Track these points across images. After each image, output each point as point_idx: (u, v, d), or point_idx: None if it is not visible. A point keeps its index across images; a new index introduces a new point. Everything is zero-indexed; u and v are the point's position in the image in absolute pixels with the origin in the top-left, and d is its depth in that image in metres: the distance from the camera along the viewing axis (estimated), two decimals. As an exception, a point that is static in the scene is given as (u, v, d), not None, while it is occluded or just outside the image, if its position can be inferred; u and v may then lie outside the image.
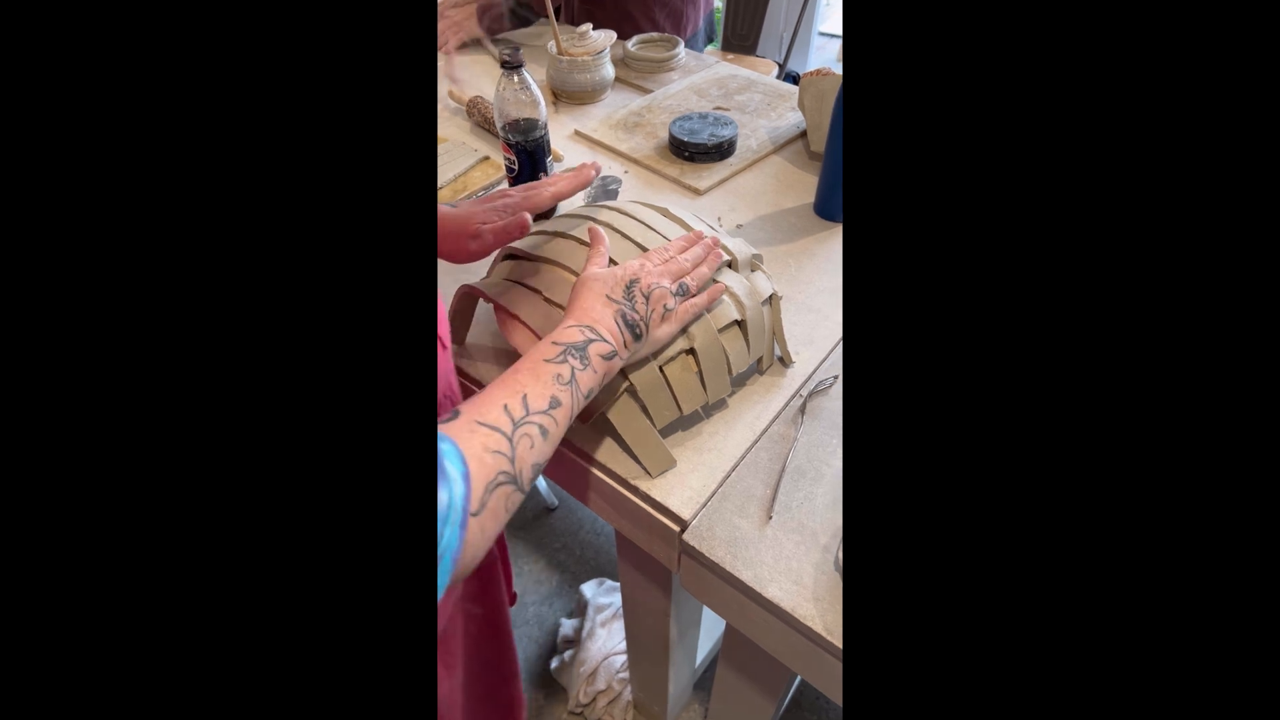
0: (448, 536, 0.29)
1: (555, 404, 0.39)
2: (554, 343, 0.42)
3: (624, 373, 0.48)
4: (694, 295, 0.49)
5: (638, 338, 0.45)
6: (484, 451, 0.34)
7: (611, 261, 0.50)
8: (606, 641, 1.05)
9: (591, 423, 0.51)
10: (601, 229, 0.51)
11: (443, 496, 0.30)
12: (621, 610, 1.09)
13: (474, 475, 0.33)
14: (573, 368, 0.40)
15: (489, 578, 0.62)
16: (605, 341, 0.43)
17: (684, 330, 0.49)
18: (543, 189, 0.56)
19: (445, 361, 0.44)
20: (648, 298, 0.46)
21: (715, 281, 0.52)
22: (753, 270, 0.56)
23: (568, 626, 1.12)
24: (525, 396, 0.38)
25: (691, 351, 0.50)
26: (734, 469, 0.50)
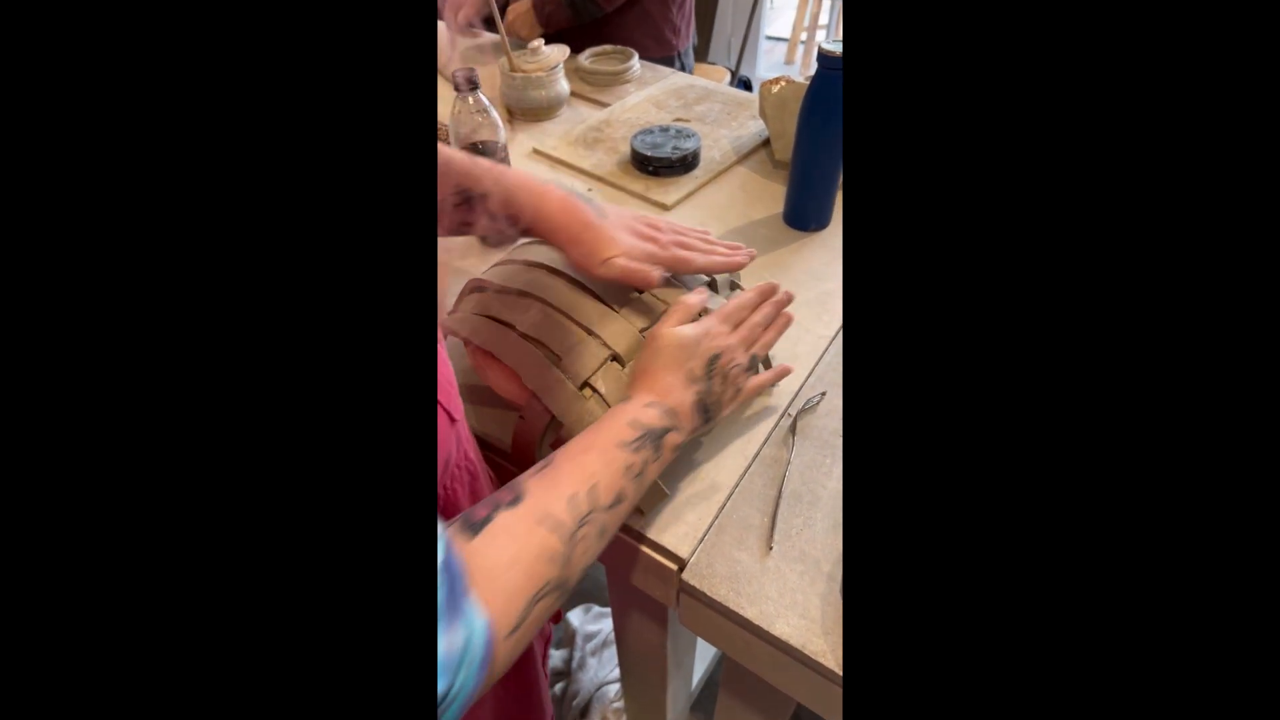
0: (461, 680, 0.26)
1: (619, 499, 0.36)
2: (631, 423, 0.38)
3: (608, 406, 0.46)
4: (758, 366, 0.47)
5: (707, 421, 0.43)
6: (539, 558, 0.32)
7: (567, 317, 0.47)
8: (598, 671, 1.02)
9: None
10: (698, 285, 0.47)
11: (458, 639, 0.26)
12: (611, 637, 1.06)
13: (520, 587, 0.31)
14: (645, 460, 0.38)
15: None
16: (681, 430, 0.41)
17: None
18: (695, 258, 0.48)
19: (458, 432, 0.41)
20: (726, 377, 0.43)
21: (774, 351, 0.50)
22: (732, 288, 0.54)
23: (556, 658, 1.09)
24: (595, 488, 0.35)
25: (677, 380, 0.47)
26: (729, 499, 0.48)
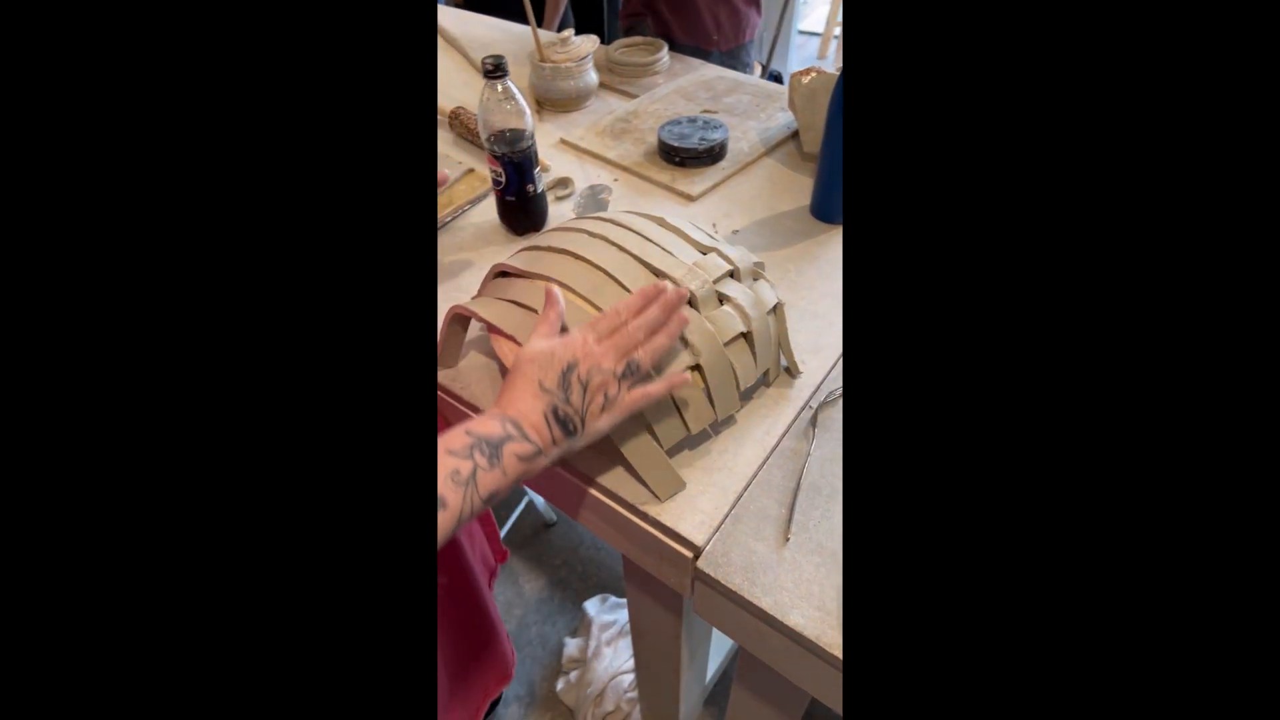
0: None
1: (439, 505, 0.35)
2: (467, 432, 0.38)
3: None
4: (645, 373, 0.43)
5: (570, 434, 0.41)
6: None
7: (589, 303, 0.46)
8: (613, 660, 1.03)
9: (594, 445, 0.49)
10: (558, 289, 0.46)
11: None
12: (627, 627, 1.06)
13: None
14: (475, 465, 0.37)
15: (446, 548, 0.63)
16: (527, 441, 0.39)
17: (697, 312, 0.45)
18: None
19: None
20: (585, 386, 0.41)
21: (683, 344, 0.45)
22: (755, 279, 0.54)
23: (572, 646, 1.10)
24: None
25: (697, 367, 0.47)
26: (746, 489, 0.48)
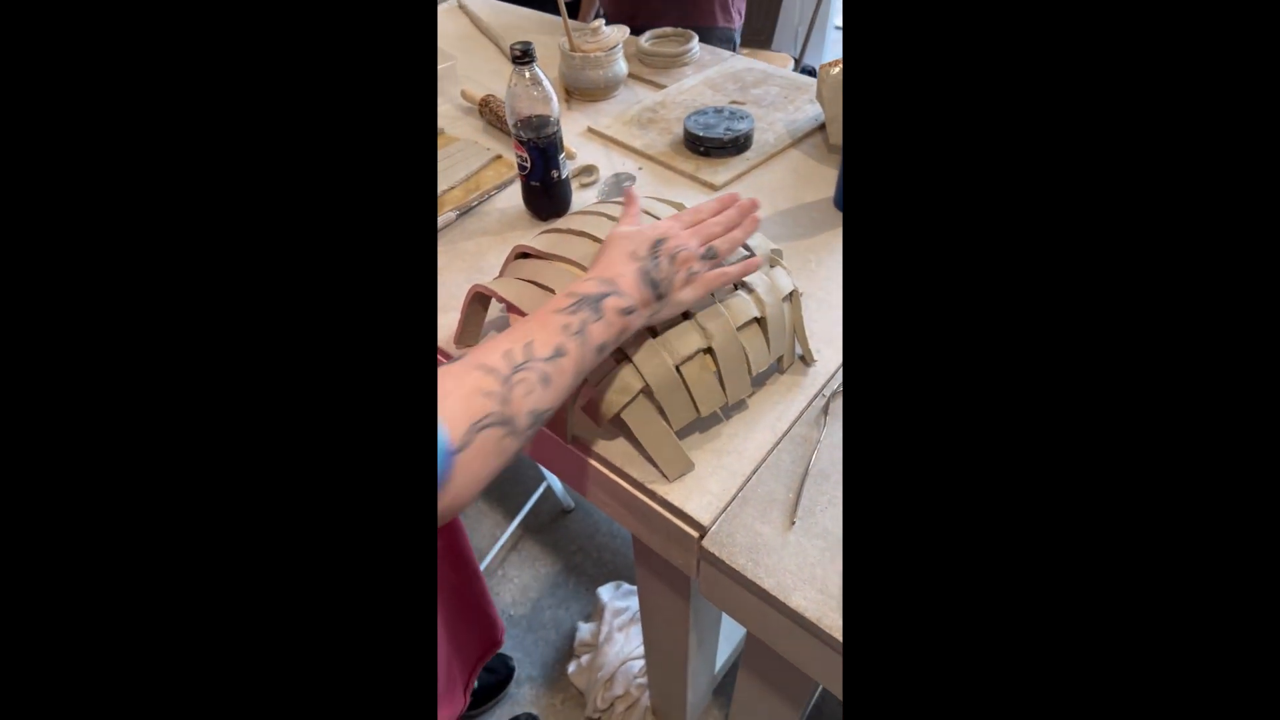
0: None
1: (560, 353, 0.39)
2: (569, 293, 0.42)
3: (639, 373, 0.46)
4: (721, 260, 0.47)
5: (659, 297, 0.44)
6: (474, 392, 0.35)
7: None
8: (624, 646, 1.04)
9: (606, 424, 0.50)
10: (637, 191, 0.51)
11: None
12: (639, 615, 1.07)
13: (458, 414, 0.34)
14: (584, 319, 0.40)
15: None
16: (623, 296, 0.43)
17: (712, 297, 0.48)
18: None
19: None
20: (673, 258, 0.45)
21: (751, 254, 0.50)
22: (772, 266, 0.54)
23: (585, 630, 1.11)
24: (530, 344, 0.38)
25: (709, 350, 0.48)
26: (754, 472, 0.48)
